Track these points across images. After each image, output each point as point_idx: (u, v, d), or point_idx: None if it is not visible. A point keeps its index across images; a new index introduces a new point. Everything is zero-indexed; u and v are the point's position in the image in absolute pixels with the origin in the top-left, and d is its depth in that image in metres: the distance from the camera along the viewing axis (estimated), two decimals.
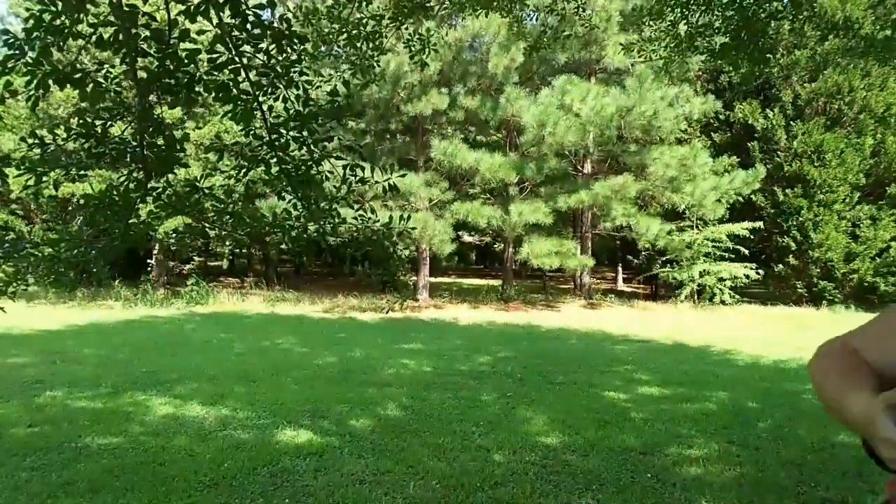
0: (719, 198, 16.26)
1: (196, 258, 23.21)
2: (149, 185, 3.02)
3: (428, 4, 4.70)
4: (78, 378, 6.37)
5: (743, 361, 8.44)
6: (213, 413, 5.09)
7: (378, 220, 3.46)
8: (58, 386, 5.98)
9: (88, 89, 2.79)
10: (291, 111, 3.11)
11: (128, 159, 2.96)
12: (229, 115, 3.00)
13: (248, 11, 2.83)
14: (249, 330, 11.15)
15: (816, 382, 1.10)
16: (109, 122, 2.95)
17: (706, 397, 6.01)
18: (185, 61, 2.83)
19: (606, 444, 4.38)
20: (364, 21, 4.48)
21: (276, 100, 3.11)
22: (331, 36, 4.64)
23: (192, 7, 2.70)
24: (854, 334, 1.15)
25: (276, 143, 3.09)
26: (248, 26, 2.85)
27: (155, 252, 18.47)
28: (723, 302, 17.17)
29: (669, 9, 4.95)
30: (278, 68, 2.98)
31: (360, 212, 3.43)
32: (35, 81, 2.67)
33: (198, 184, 3.25)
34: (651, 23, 5.24)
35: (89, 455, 4.02)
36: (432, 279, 19.83)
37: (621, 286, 26.13)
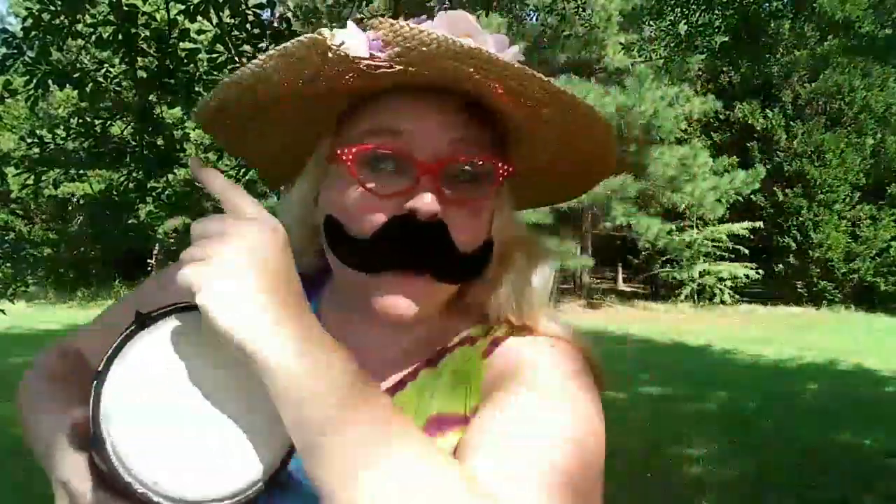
0: (719, 198, 16.25)
1: None
2: (148, 185, 3.02)
3: (428, 4, 4.70)
4: None
5: (743, 361, 8.43)
6: None
7: None
8: None
9: (88, 89, 2.79)
10: None
11: (127, 159, 2.96)
12: None
13: (247, 11, 2.84)
14: None
15: (18, 395, 0.77)
16: (109, 122, 2.95)
17: (706, 397, 6.01)
18: (185, 61, 2.84)
19: (606, 444, 4.37)
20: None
21: None
22: None
23: (192, 7, 2.70)
24: (84, 329, 0.82)
25: None
26: (248, 26, 2.85)
27: (155, 252, 18.47)
28: (723, 302, 17.16)
29: (669, 8, 4.96)
30: None
31: None
32: (34, 81, 2.67)
33: (197, 184, 3.25)
34: (651, 22, 5.25)
35: None
36: None
37: (621, 286, 26.10)
